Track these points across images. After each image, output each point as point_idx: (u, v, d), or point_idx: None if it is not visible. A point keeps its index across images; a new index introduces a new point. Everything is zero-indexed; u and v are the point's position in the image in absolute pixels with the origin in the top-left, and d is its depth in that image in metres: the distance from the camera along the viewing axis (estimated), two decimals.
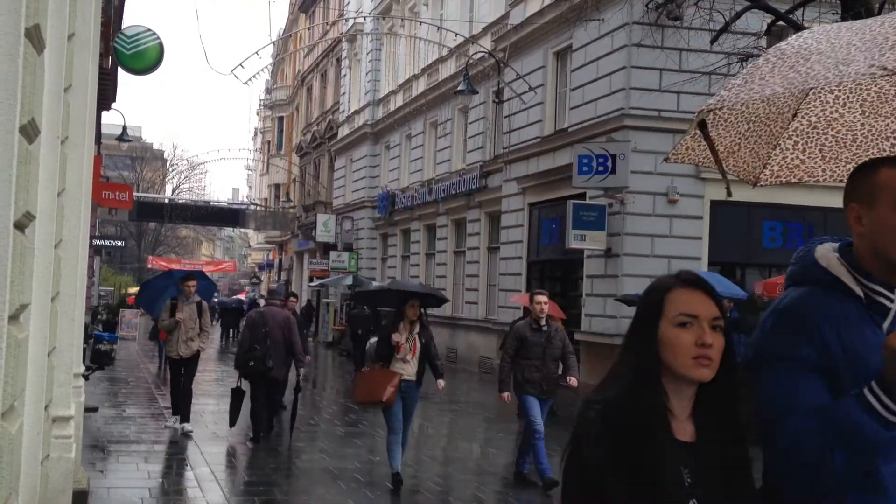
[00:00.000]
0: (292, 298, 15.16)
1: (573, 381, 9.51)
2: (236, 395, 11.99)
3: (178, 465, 10.15)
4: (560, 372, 9.70)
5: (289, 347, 11.72)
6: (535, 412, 9.34)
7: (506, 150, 22.03)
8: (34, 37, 3.05)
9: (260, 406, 11.68)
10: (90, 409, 12.17)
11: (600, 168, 16.57)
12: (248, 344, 11.62)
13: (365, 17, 32.70)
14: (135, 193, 33.90)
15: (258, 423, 11.67)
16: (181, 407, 12.49)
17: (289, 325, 11.76)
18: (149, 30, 13.81)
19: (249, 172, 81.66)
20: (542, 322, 9.58)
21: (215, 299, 37.04)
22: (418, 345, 9.24)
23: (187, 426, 12.23)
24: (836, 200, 12.31)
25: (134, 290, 61.18)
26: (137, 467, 9.79)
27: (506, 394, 9.56)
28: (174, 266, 64.43)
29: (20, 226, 3.05)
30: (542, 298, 9.70)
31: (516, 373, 9.49)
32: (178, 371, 12.57)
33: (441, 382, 9.87)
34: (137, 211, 41.10)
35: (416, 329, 9.29)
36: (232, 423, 12.02)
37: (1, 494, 2.89)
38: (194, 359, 12.48)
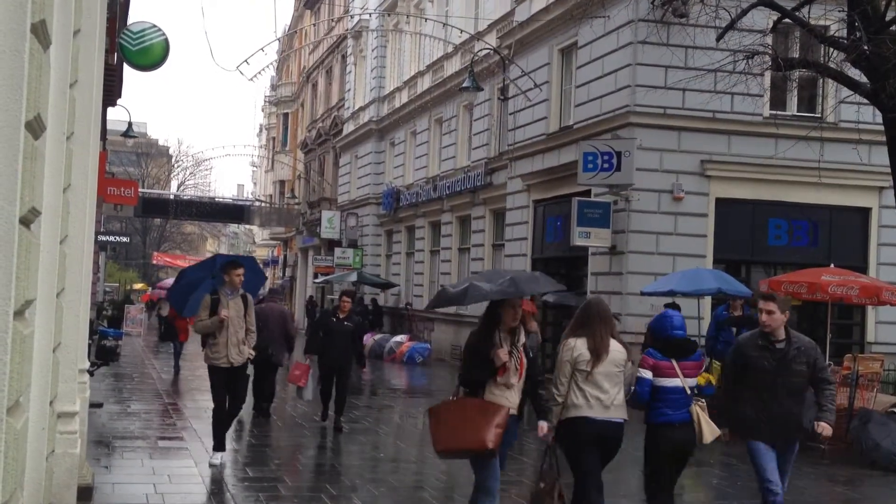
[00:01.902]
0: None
1: (824, 428, 6.72)
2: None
3: (183, 461, 10.16)
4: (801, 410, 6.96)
5: (286, 337, 13.50)
6: (769, 467, 6.76)
7: (511, 147, 22.01)
8: (40, 32, 3.05)
9: (263, 385, 13.61)
10: (95, 405, 12.18)
11: (605, 165, 16.54)
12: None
13: (370, 14, 32.65)
14: (140, 189, 33.95)
15: (262, 397, 13.60)
16: (218, 433, 9.89)
17: (284, 319, 13.62)
18: (154, 26, 13.80)
19: (254, 169, 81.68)
20: (777, 336, 6.75)
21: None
22: (525, 362, 6.55)
23: (218, 457, 9.73)
24: (840, 199, 12.41)
25: (139, 286, 61.40)
26: (142, 463, 9.81)
27: (727, 431, 6.92)
28: (179, 263, 64.65)
29: (26, 221, 3.05)
30: (769, 307, 6.73)
31: (736, 409, 6.92)
32: (222, 385, 9.82)
33: (544, 426, 6.59)
34: (143, 207, 41.12)
35: (520, 339, 6.58)
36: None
37: (6, 489, 2.90)
38: (244, 368, 10.17)
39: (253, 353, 10.14)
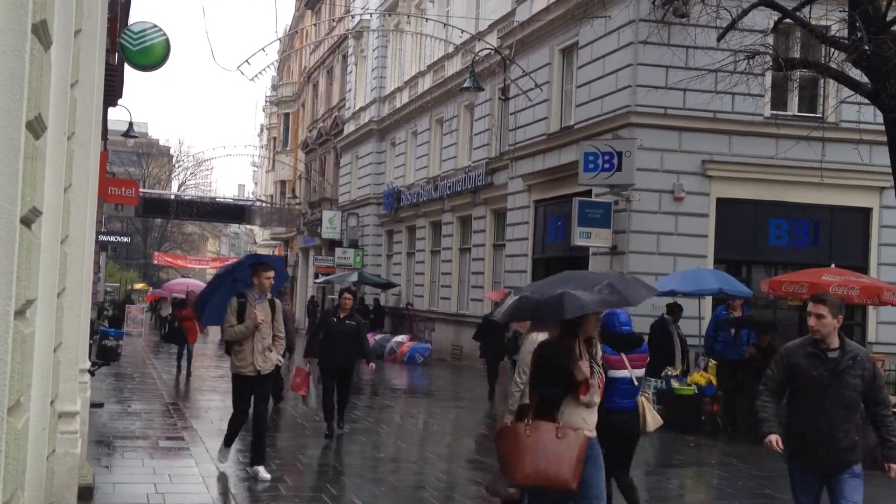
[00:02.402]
0: None
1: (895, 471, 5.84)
2: None
3: (183, 461, 10.16)
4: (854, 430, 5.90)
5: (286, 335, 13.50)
6: (804, 499, 5.98)
7: (511, 147, 22.01)
8: (41, 32, 3.06)
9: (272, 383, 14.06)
10: (96, 405, 12.18)
11: (606, 165, 16.54)
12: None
13: (371, 14, 32.64)
14: (141, 189, 33.96)
15: (273, 396, 13.23)
16: (254, 445, 9.39)
17: (285, 318, 13.45)
18: (155, 26, 13.80)
19: (255, 169, 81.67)
20: (829, 343, 5.87)
21: None
22: (604, 377, 6.14)
23: (262, 471, 9.15)
24: (842, 199, 12.40)
25: (140, 286, 61.37)
26: (143, 463, 9.81)
27: (773, 436, 5.86)
28: (180, 263, 64.70)
29: (27, 221, 3.05)
30: (819, 310, 5.86)
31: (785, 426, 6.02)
32: (247, 395, 9.23)
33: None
34: (143, 207, 41.14)
35: (597, 351, 6.06)
36: None
37: (7, 489, 2.90)
38: (271, 378, 9.55)
39: (281, 360, 9.50)
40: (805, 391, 5.87)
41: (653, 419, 7.30)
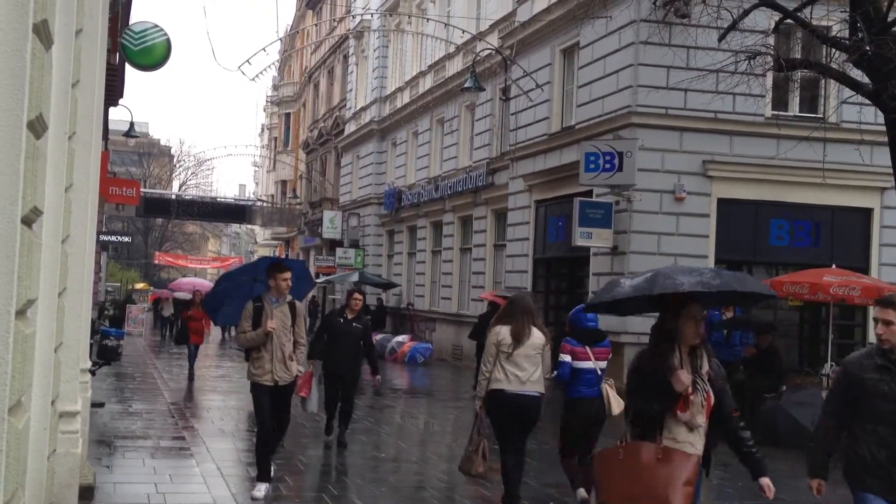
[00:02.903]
0: None
1: None
2: None
3: (184, 461, 10.16)
4: None
5: None
6: None
7: (512, 148, 22.01)
8: (42, 32, 3.06)
9: None
10: (97, 405, 12.18)
11: (607, 165, 16.54)
12: None
13: (372, 14, 32.68)
14: (142, 189, 33.95)
15: None
16: (261, 459, 8.53)
17: None
18: (156, 26, 13.81)
19: (256, 169, 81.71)
20: None
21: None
22: (711, 395, 4.99)
23: (261, 492, 8.32)
24: (843, 199, 12.35)
25: (141, 285, 61.42)
26: (143, 463, 9.81)
27: (816, 481, 5.29)
28: (181, 262, 64.74)
29: (28, 221, 3.05)
30: (887, 315, 5.06)
31: (848, 447, 5.23)
32: (267, 405, 8.40)
33: (766, 482, 4.98)
34: (144, 207, 41.17)
35: (703, 364, 5.03)
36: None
37: (8, 489, 2.90)
38: (291, 388, 8.76)
39: (301, 369, 8.84)
40: (874, 409, 5.05)
41: (616, 404, 8.04)
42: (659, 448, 4.83)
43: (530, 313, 7.79)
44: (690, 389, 4.83)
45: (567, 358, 8.03)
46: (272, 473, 8.68)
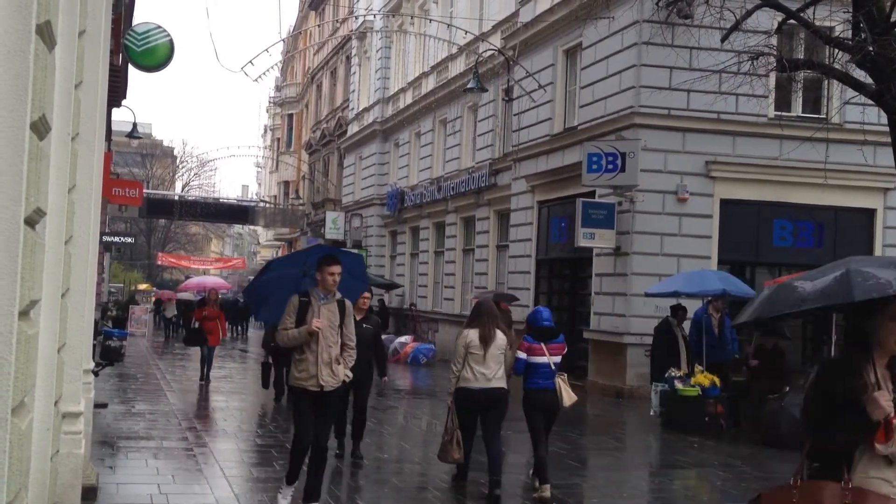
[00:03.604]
0: None
1: None
2: (265, 368, 15.81)
3: (187, 462, 10.17)
4: None
5: None
6: None
7: (515, 148, 22.02)
8: (45, 33, 3.06)
9: (281, 375, 14.78)
10: (100, 406, 12.20)
11: (610, 166, 16.55)
12: (272, 332, 12.98)
13: (375, 15, 32.70)
14: (145, 190, 33.96)
15: (280, 387, 14.89)
16: (308, 481, 7.67)
17: None
18: (159, 27, 13.83)
19: (259, 169, 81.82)
20: None
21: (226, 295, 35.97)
22: None
23: (286, 499, 7.77)
24: (846, 200, 12.33)
25: (144, 286, 61.44)
26: (146, 463, 9.81)
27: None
28: (184, 263, 64.74)
29: (31, 222, 3.06)
30: None
31: None
32: (309, 412, 7.53)
33: None
34: (147, 208, 41.17)
35: None
36: (265, 385, 15.78)
37: (11, 490, 2.90)
38: (337, 394, 7.75)
39: (350, 374, 7.75)
40: None
41: (568, 396, 8.82)
42: (846, 490, 3.76)
43: (494, 317, 8.69)
44: (893, 414, 3.72)
45: (522, 355, 8.79)
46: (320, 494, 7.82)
